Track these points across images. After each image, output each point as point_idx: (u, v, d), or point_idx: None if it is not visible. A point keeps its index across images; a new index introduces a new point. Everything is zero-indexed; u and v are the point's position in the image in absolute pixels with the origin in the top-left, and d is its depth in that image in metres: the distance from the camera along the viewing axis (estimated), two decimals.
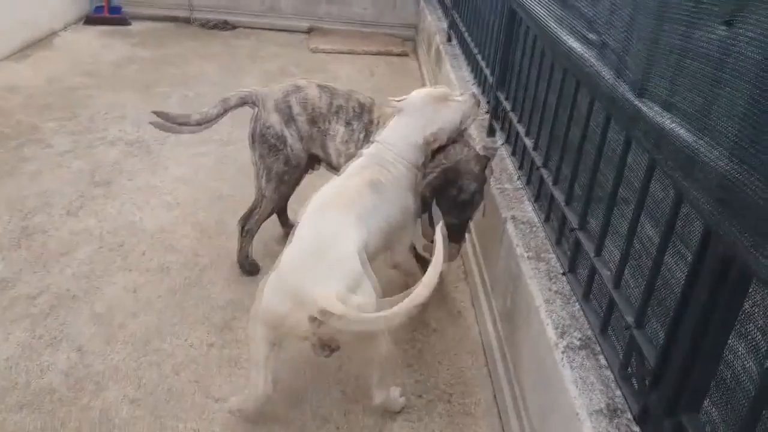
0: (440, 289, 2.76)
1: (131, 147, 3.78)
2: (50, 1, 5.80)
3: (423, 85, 5.42)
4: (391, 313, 1.68)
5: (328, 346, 1.81)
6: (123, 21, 6.25)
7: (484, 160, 2.28)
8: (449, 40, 4.93)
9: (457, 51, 4.63)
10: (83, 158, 3.61)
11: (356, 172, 2.10)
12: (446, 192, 2.24)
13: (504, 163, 2.77)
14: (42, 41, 5.53)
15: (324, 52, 6.05)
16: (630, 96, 1.52)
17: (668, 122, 1.32)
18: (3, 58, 4.99)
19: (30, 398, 2.05)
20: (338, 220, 1.90)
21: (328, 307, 1.63)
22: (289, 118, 2.51)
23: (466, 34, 4.23)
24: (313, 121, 2.53)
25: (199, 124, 2.57)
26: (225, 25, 6.45)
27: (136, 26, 6.26)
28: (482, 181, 2.27)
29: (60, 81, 4.70)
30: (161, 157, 3.69)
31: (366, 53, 6.11)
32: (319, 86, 2.57)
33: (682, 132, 1.26)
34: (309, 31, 6.62)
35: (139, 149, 3.76)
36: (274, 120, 2.49)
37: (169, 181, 3.43)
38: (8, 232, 2.87)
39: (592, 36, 1.84)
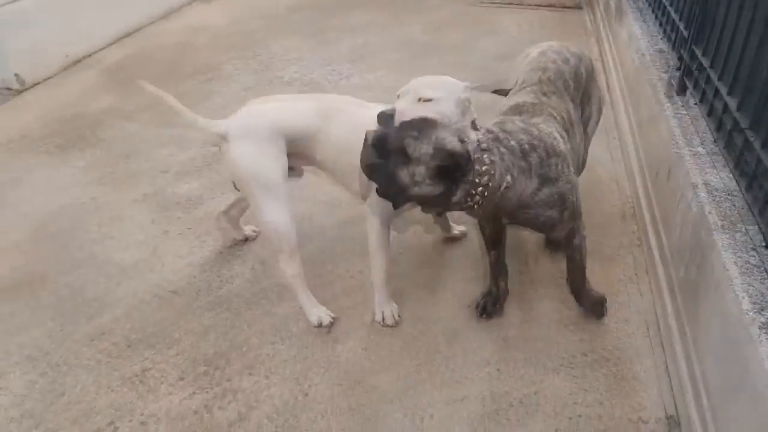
0: (610, 254, 2.65)
1: (306, 87, 3.97)
2: None
3: (597, 40, 5.11)
4: None
5: None
6: None
7: (447, 159, 1.78)
8: None
9: (641, 3, 4.29)
10: (264, 95, 3.84)
11: None
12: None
13: (697, 123, 2.55)
14: None
15: (492, 4, 5.90)
16: None
17: None
18: (193, 0, 5.43)
19: (221, 299, 2.28)
20: None
21: None
22: None
23: None
24: None
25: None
26: None
27: None
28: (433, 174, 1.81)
29: (241, 23, 5.03)
30: None
31: (535, 5, 5.86)
32: None
33: None
34: None
35: (313, 90, 3.94)
36: None
37: None
38: (200, 157, 3.16)
39: None
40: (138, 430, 1.79)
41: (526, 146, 1.88)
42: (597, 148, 3.36)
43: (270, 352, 2.07)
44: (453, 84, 2.04)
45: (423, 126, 1.80)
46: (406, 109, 1.93)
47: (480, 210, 1.89)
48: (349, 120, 2.07)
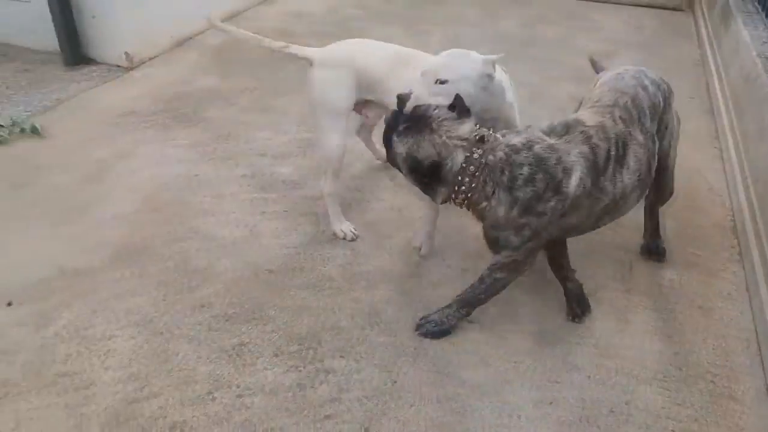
0: (708, 267, 2.54)
1: None
2: None
3: (699, 44, 4.87)
4: None
5: None
6: None
7: (415, 166, 1.93)
8: None
9: (751, 7, 4.06)
10: None
11: None
12: None
13: None
14: None
15: (588, 0, 5.72)
16: None
17: None
18: None
19: (314, 281, 2.35)
20: None
21: None
22: None
23: None
24: None
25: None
26: None
27: None
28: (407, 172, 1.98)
29: (337, 11, 5.11)
30: None
31: (634, 4, 5.64)
32: None
33: None
34: None
35: None
36: None
37: None
38: (297, 141, 3.24)
39: None
40: (235, 402, 1.87)
41: (522, 180, 1.84)
42: (696, 157, 3.21)
43: (360, 337, 2.12)
44: (472, 62, 2.02)
45: (414, 124, 1.91)
46: (421, 95, 1.99)
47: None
48: (417, 69, 2.11)
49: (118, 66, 3.89)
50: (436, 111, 1.91)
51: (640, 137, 2.03)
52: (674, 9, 5.60)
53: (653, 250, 2.56)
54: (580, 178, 1.87)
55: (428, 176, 1.89)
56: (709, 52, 4.52)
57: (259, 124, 3.36)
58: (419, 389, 1.94)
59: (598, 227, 2.10)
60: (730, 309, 2.35)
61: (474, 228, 2.64)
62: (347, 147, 2.48)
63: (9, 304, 2.19)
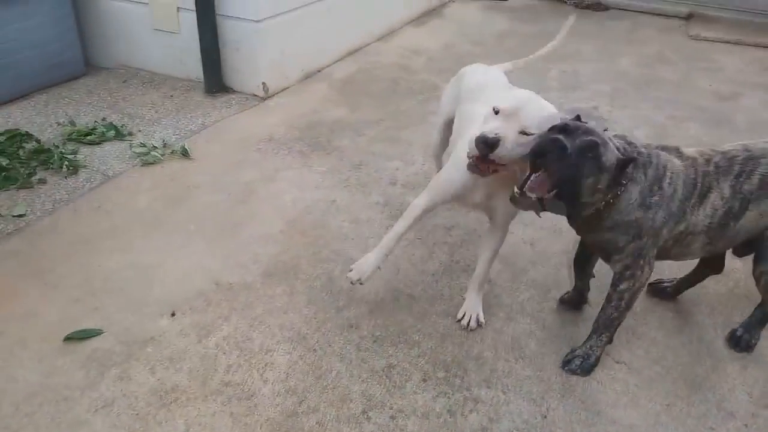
0: None
1: None
2: None
3: None
4: None
5: None
6: None
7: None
8: None
9: None
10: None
11: None
12: None
13: None
14: (435, 10, 6.22)
15: (706, 40, 5.59)
16: None
17: None
18: (405, 24, 5.76)
19: (453, 310, 2.41)
20: None
21: None
22: None
23: None
24: None
25: None
26: (599, 6, 6.40)
27: (512, 2, 6.61)
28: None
29: (452, 47, 5.25)
30: None
31: (758, 45, 5.46)
32: None
33: None
34: (688, 16, 6.17)
35: None
36: None
37: None
38: (423, 173, 3.35)
39: None
40: (389, 423, 1.95)
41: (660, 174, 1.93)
42: None
43: (505, 369, 2.15)
44: (553, 119, 1.90)
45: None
46: (508, 140, 1.86)
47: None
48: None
49: (255, 95, 4.17)
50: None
51: (727, 191, 1.98)
52: None
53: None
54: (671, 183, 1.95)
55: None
56: None
57: (387, 154, 3.50)
58: (571, 425, 1.94)
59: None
60: None
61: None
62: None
63: (173, 315, 2.38)
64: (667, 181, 1.92)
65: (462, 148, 2.07)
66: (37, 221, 2.84)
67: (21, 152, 3.35)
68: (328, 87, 4.39)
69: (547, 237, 2.85)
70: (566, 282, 2.56)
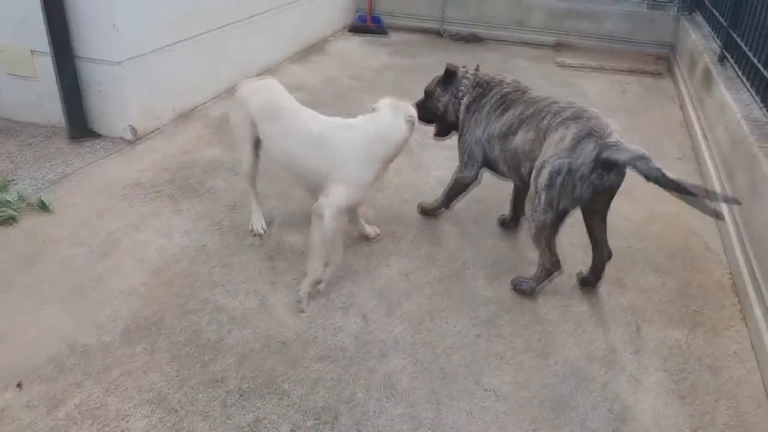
0: (712, 326, 2.59)
1: None
2: (323, 12, 6.54)
3: (681, 106, 5.09)
4: None
5: None
6: (382, 31, 6.83)
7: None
8: (721, 60, 4.56)
9: (731, 73, 4.26)
10: None
11: None
12: None
13: None
14: (316, 46, 6.27)
15: (571, 68, 5.98)
16: None
17: None
18: (286, 60, 5.76)
19: (326, 352, 2.35)
20: None
21: None
22: None
23: (750, 55, 3.88)
24: None
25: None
26: (473, 38, 6.70)
27: (392, 36, 6.79)
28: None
29: (333, 82, 5.29)
30: (423, 159, 3.97)
31: (616, 70, 5.90)
32: None
33: None
34: (556, 45, 6.59)
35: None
36: None
37: (432, 181, 3.67)
38: (301, 211, 3.29)
39: None
40: None
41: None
42: (691, 218, 3.31)
43: (376, 409, 2.11)
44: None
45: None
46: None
47: None
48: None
49: (122, 139, 3.97)
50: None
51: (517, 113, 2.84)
52: (653, 74, 5.86)
53: None
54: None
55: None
56: (692, 114, 4.72)
57: (264, 194, 3.42)
58: None
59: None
60: (738, 368, 2.39)
61: (483, 291, 2.69)
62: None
63: (19, 386, 2.17)
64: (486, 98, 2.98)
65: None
66: None
67: None
68: (203, 126, 4.26)
69: (422, 266, 2.87)
70: (444, 314, 2.57)
